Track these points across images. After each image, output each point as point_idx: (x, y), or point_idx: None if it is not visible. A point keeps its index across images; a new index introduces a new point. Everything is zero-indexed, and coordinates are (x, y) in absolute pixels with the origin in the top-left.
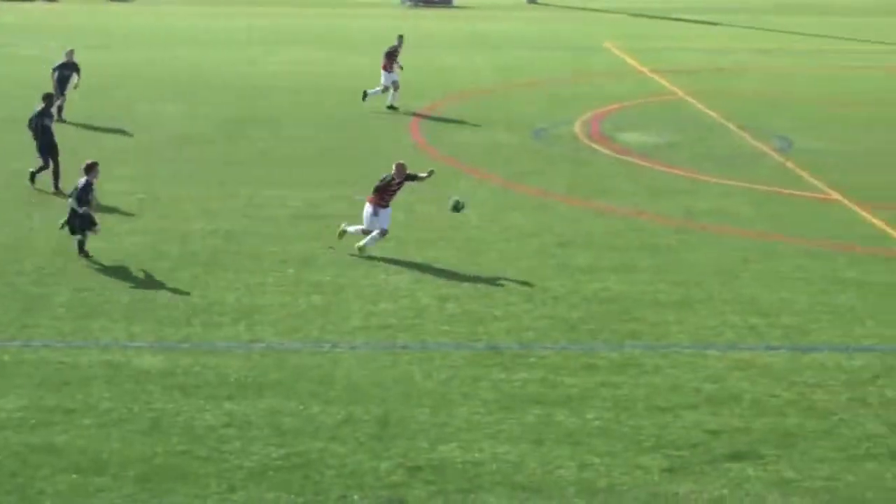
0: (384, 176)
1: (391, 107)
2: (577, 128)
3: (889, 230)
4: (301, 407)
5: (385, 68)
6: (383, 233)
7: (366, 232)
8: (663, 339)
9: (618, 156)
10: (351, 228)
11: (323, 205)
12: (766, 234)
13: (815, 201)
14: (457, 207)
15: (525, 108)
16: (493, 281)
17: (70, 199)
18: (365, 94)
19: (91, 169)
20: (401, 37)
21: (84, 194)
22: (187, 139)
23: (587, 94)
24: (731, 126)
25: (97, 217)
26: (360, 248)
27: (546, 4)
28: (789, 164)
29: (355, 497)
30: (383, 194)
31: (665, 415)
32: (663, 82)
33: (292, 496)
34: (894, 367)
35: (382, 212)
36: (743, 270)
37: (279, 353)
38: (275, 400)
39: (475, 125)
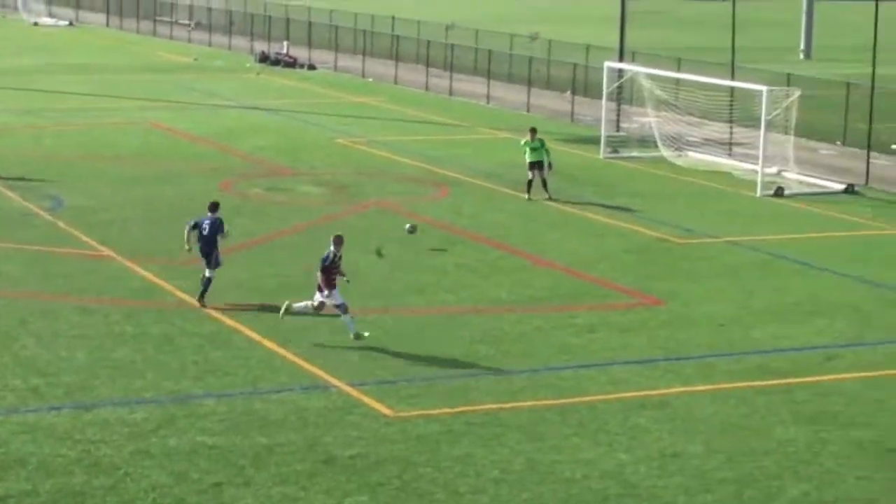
0: (325, 255)
1: None
2: None
3: (159, 282)
4: None
5: None
6: (344, 307)
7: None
8: None
9: None
10: (297, 305)
11: None
12: (41, 293)
13: (88, 258)
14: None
15: None
16: None
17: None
18: None
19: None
20: None
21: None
22: None
23: None
24: None
25: None
26: (287, 308)
27: None
28: (61, 223)
29: None
30: (329, 275)
31: None
32: None
33: None
34: (175, 417)
35: (333, 292)
36: (21, 332)
37: None
38: None
39: None
